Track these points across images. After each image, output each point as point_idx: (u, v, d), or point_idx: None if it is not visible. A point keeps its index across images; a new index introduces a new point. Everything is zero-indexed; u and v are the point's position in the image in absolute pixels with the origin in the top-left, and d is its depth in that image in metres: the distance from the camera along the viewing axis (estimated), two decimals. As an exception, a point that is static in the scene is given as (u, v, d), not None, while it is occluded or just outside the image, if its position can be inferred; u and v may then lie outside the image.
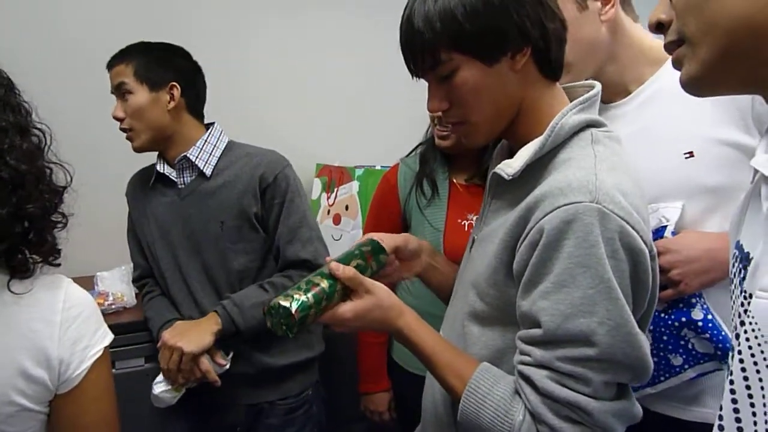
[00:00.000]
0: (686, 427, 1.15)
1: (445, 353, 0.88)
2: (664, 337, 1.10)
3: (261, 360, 1.46)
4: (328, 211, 2.19)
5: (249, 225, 1.46)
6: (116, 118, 1.44)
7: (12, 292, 0.80)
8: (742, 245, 0.60)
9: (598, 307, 0.75)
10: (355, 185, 2.08)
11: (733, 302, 0.60)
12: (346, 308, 0.87)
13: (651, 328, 1.11)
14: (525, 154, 0.84)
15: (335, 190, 2.13)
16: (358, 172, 2.11)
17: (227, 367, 1.41)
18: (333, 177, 2.18)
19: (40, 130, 0.86)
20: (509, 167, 0.85)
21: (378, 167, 2.23)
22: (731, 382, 0.52)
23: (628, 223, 0.76)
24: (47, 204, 0.83)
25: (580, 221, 0.74)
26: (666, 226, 1.10)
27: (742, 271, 0.57)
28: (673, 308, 1.10)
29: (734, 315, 0.58)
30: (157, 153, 1.53)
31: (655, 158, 1.13)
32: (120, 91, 1.43)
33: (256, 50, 2.38)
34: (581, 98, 0.87)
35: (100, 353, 0.87)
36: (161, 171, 1.50)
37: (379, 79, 2.42)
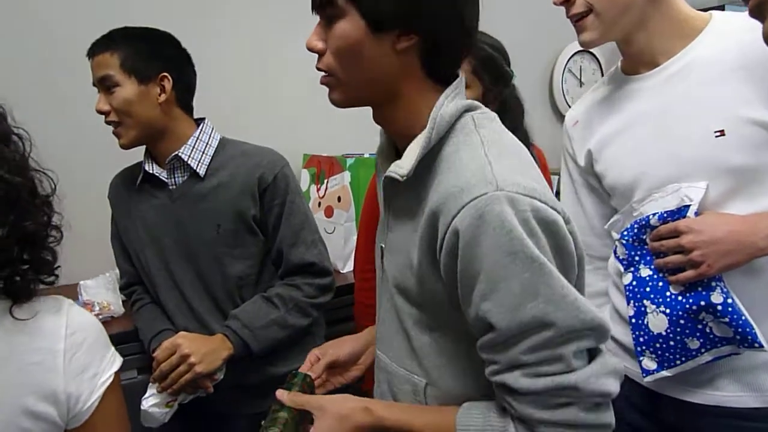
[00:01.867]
0: (699, 410, 1.17)
1: (423, 417, 0.89)
2: (681, 321, 1.11)
3: (264, 369, 1.46)
4: (319, 203, 2.18)
5: (246, 228, 1.44)
6: (100, 112, 1.38)
7: (16, 318, 0.76)
8: None
9: (538, 287, 0.76)
10: (347, 175, 2.07)
11: None
12: None
13: (667, 311, 1.13)
14: (412, 153, 0.85)
15: (325, 181, 2.13)
16: (349, 161, 2.10)
17: (220, 378, 1.41)
18: (322, 167, 2.18)
19: (18, 135, 0.81)
20: (400, 168, 0.86)
21: (366, 155, 2.23)
22: None
23: (535, 198, 0.77)
24: (44, 218, 0.79)
25: (491, 212, 0.75)
26: (689, 206, 1.11)
27: None
28: (691, 291, 1.11)
29: None
30: (144, 151, 1.49)
31: (682, 135, 1.14)
32: (104, 84, 1.37)
33: (230, 35, 2.35)
34: (451, 86, 0.88)
35: (111, 380, 0.84)
36: (150, 171, 1.46)
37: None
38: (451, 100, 0.87)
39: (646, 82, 1.22)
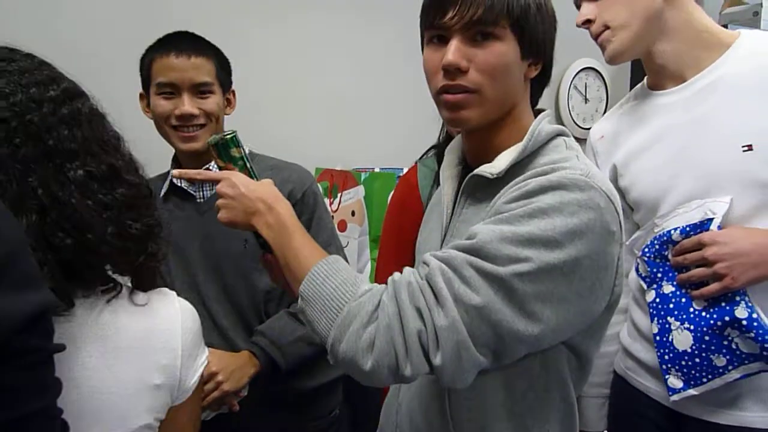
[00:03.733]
0: (723, 431, 1.16)
1: (311, 242, 0.93)
2: (706, 337, 1.12)
3: (289, 384, 1.46)
4: (332, 217, 2.18)
5: None
6: (189, 115, 1.39)
7: (136, 304, 0.84)
8: None
9: (533, 247, 0.77)
10: (361, 190, 2.08)
11: None
12: (236, 172, 1.00)
13: (691, 327, 1.14)
14: (506, 157, 0.91)
15: (339, 195, 2.13)
16: (363, 175, 2.11)
17: (244, 395, 1.41)
18: (335, 181, 2.18)
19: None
20: (493, 168, 0.91)
21: (377, 170, 2.24)
22: None
23: (614, 204, 0.83)
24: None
25: (567, 188, 0.80)
26: (712, 219, 1.12)
27: None
28: (715, 306, 1.12)
29: None
30: (171, 160, 1.51)
31: (710, 150, 1.16)
32: (198, 88, 1.40)
33: (246, 48, 2.35)
34: (545, 113, 0.96)
35: (205, 363, 0.93)
36: (178, 183, 1.47)
37: (379, 79, 2.43)
38: (547, 123, 0.94)
39: (673, 97, 1.24)
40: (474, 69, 0.88)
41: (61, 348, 0.66)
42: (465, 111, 0.90)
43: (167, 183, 1.49)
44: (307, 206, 1.46)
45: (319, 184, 1.54)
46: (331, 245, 1.48)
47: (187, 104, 1.39)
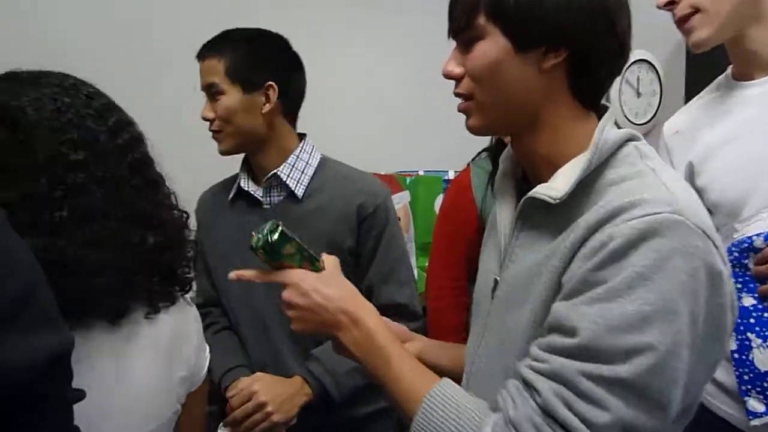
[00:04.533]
0: None
1: (403, 362, 0.85)
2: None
3: (341, 411, 1.39)
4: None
5: (340, 258, 1.39)
6: (205, 119, 1.38)
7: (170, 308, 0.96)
8: None
9: (652, 327, 0.67)
10: (406, 195, 2.03)
11: None
12: (301, 272, 0.90)
13: (766, 345, 1.04)
14: (568, 175, 0.79)
15: (383, 200, 2.08)
16: (408, 180, 2.07)
17: (293, 423, 1.35)
18: (380, 186, 2.13)
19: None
20: (552, 190, 0.79)
21: (422, 173, 2.19)
22: None
23: (711, 239, 0.70)
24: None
25: (658, 234, 0.68)
26: None
27: None
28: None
29: None
30: (240, 164, 1.47)
31: None
32: (210, 90, 1.36)
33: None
34: (607, 113, 0.83)
35: (209, 357, 1.07)
36: (245, 188, 1.43)
37: (422, 78, 2.36)
38: (611, 127, 0.81)
39: (762, 88, 1.16)
40: (467, 76, 0.83)
41: (81, 396, 0.65)
42: (470, 119, 0.86)
43: (235, 186, 1.45)
44: (378, 222, 1.39)
45: (392, 200, 1.48)
46: (399, 266, 1.42)
47: (204, 108, 1.38)
